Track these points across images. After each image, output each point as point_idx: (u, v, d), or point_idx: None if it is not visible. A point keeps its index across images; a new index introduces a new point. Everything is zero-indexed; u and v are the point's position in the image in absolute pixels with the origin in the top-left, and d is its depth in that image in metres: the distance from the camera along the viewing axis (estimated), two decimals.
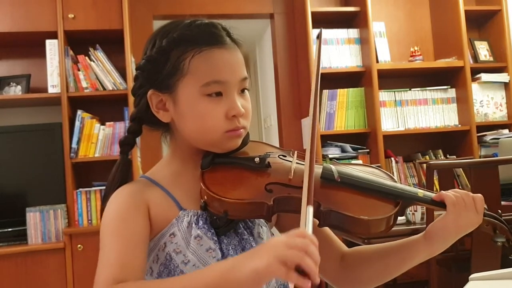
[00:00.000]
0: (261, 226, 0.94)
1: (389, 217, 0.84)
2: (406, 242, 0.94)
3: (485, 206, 0.91)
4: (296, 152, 0.95)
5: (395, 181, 0.92)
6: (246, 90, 0.92)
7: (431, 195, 0.89)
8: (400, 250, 0.94)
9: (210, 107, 0.87)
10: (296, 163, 0.91)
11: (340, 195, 0.86)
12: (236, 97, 0.89)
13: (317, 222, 0.83)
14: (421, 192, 0.89)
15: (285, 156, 0.94)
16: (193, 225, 0.86)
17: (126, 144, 0.94)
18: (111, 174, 0.93)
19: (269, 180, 0.86)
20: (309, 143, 0.81)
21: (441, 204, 0.88)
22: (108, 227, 0.83)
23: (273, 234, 0.98)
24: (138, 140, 0.97)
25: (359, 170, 0.93)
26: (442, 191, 0.89)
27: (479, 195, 0.89)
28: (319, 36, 0.94)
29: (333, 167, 0.89)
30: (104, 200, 0.90)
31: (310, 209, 0.67)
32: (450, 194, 0.88)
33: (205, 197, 0.85)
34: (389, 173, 0.96)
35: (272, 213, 0.83)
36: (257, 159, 0.88)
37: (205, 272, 0.74)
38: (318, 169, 0.89)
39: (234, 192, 0.84)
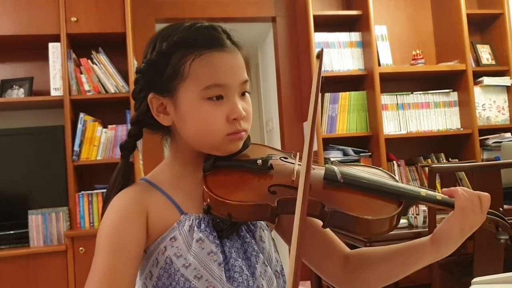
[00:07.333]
0: (263, 230, 0.94)
1: (393, 217, 0.84)
2: (413, 244, 0.93)
3: None
4: (298, 153, 0.95)
5: (397, 181, 0.91)
6: (247, 93, 0.92)
7: (434, 194, 0.88)
8: (407, 252, 0.94)
9: (211, 111, 0.87)
10: (299, 164, 0.90)
11: (344, 196, 0.85)
12: (237, 100, 0.88)
13: (321, 223, 0.83)
14: (424, 192, 0.88)
15: (286, 158, 0.94)
16: (195, 228, 0.86)
17: (127, 148, 0.94)
18: (112, 177, 0.92)
19: (272, 182, 0.85)
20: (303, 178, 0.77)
21: (446, 204, 0.88)
22: (103, 237, 0.84)
23: (273, 239, 0.98)
24: (140, 143, 0.97)
25: (362, 170, 0.93)
26: (453, 188, 0.88)
27: (487, 195, 0.88)
28: (319, 56, 0.90)
29: (335, 168, 0.89)
30: (105, 204, 0.90)
31: None
32: (461, 196, 0.86)
33: (208, 200, 0.84)
34: (391, 174, 0.95)
35: (276, 215, 0.82)
36: (259, 161, 0.88)
37: None
38: (321, 171, 0.89)
39: (237, 194, 0.84)
